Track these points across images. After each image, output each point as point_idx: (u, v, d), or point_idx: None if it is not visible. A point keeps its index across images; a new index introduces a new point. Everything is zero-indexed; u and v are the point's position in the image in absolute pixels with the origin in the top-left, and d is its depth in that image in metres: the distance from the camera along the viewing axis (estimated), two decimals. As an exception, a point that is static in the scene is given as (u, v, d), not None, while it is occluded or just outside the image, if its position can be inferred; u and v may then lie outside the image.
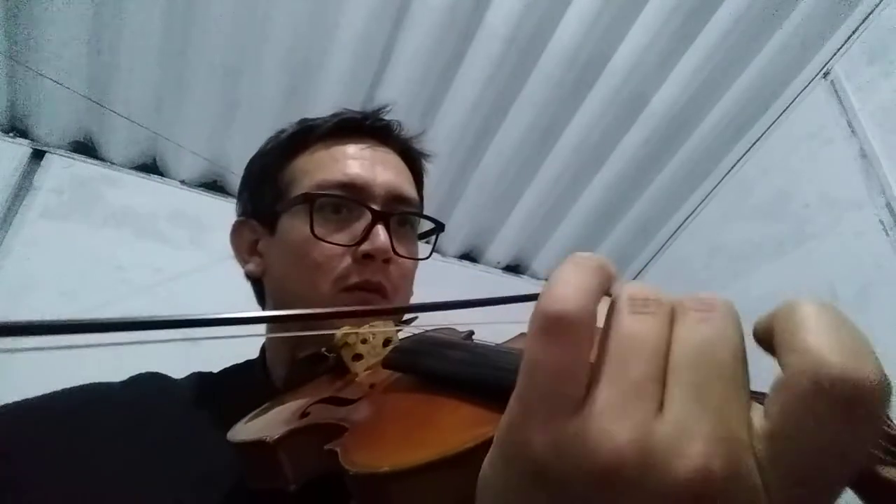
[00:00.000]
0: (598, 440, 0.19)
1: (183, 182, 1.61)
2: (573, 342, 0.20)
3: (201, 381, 0.66)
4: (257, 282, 0.69)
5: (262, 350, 0.69)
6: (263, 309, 0.71)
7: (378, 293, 0.60)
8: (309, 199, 0.61)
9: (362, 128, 0.68)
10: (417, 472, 0.29)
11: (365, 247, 0.59)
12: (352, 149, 0.65)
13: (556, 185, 1.72)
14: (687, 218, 1.82)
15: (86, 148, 1.55)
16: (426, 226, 0.74)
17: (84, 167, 1.53)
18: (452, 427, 0.32)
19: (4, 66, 1.38)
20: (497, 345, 0.43)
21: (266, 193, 0.67)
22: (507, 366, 0.33)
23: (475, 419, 0.31)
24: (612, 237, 1.87)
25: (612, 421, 0.19)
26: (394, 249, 0.60)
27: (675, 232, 1.85)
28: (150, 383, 0.63)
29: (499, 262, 1.92)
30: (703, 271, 1.71)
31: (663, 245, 1.89)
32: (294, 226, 0.62)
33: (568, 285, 0.21)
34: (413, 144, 0.73)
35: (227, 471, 0.48)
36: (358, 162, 0.64)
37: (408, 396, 0.39)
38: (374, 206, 0.61)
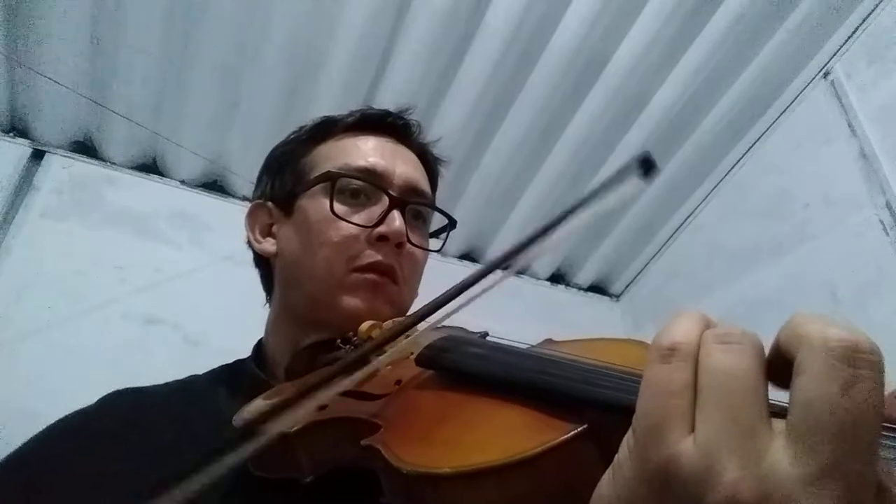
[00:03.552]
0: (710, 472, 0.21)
1: (183, 182, 1.61)
2: (681, 364, 0.23)
3: (186, 383, 0.65)
4: (266, 265, 0.70)
5: (255, 348, 0.69)
6: (268, 294, 0.71)
7: (388, 277, 0.61)
8: (331, 178, 0.62)
9: (384, 124, 0.70)
10: (480, 476, 0.28)
11: (381, 229, 0.61)
12: (373, 141, 0.68)
13: (555, 185, 1.72)
14: (687, 218, 1.82)
15: (86, 148, 1.55)
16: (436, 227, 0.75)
17: (84, 167, 1.53)
18: (514, 431, 0.31)
19: (4, 66, 1.39)
20: (532, 347, 0.42)
21: (287, 177, 0.68)
22: (561, 372, 0.32)
23: (535, 424, 0.30)
24: (612, 237, 1.87)
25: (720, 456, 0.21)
26: (408, 237, 0.62)
27: (675, 232, 1.85)
28: (122, 401, 0.62)
29: (499, 262, 1.92)
30: (703, 271, 1.71)
31: (663, 245, 1.89)
32: (312, 205, 0.64)
33: (675, 326, 0.25)
34: (431, 149, 0.75)
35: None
36: (379, 152, 0.66)
37: (447, 395, 0.38)
38: (392, 193, 0.63)
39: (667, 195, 1.76)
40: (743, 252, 1.57)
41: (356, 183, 0.63)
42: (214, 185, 1.64)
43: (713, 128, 1.60)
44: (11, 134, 1.50)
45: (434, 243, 0.71)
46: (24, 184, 1.46)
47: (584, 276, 1.97)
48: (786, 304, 1.40)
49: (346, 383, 0.37)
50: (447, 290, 0.41)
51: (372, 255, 0.60)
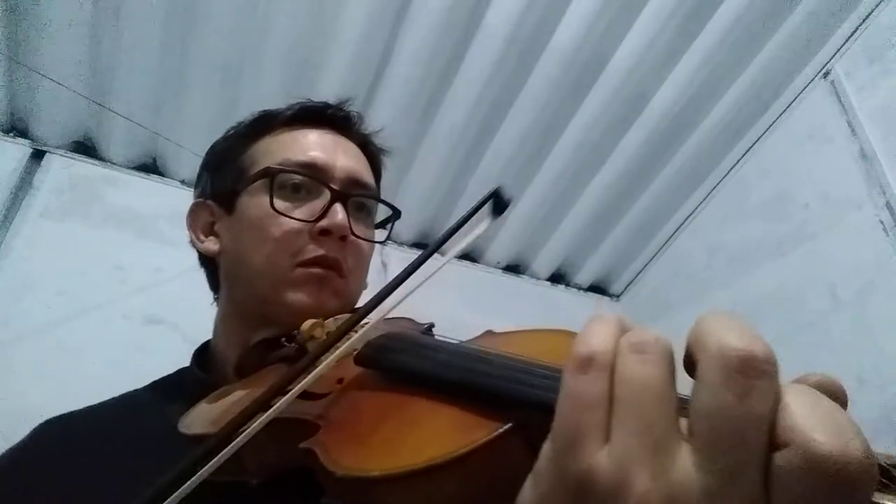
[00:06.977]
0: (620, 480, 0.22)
1: (183, 182, 1.61)
2: (598, 375, 0.23)
3: (122, 399, 0.65)
4: (211, 264, 0.69)
5: (196, 352, 0.68)
6: (216, 292, 0.71)
7: (333, 270, 0.61)
8: (270, 174, 0.62)
9: (324, 116, 0.69)
10: (409, 477, 0.29)
11: (323, 223, 0.60)
12: (313, 134, 0.67)
13: (556, 185, 1.72)
14: (687, 218, 1.82)
15: (86, 148, 1.55)
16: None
17: (84, 167, 1.53)
18: (442, 431, 0.31)
19: (4, 66, 1.38)
20: (470, 344, 0.42)
21: (226, 174, 0.68)
22: (490, 371, 0.33)
23: (463, 424, 0.31)
24: (612, 237, 1.87)
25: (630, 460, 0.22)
26: (351, 230, 0.61)
27: (675, 232, 1.85)
28: (52, 430, 0.61)
29: (499, 262, 1.92)
30: (703, 271, 1.71)
31: (663, 245, 1.89)
32: (253, 202, 0.63)
33: (592, 334, 0.25)
34: (373, 139, 0.73)
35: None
36: (320, 145, 0.65)
37: (384, 395, 0.38)
38: (334, 186, 0.62)
39: (667, 195, 1.77)
40: (743, 252, 1.57)
41: (296, 178, 0.62)
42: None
43: (713, 128, 1.60)
44: (11, 134, 1.50)
45: (380, 234, 0.71)
46: (24, 184, 1.46)
47: (584, 276, 1.98)
48: (786, 304, 1.40)
49: (297, 389, 0.37)
50: (386, 284, 0.42)
51: (316, 250, 0.60)
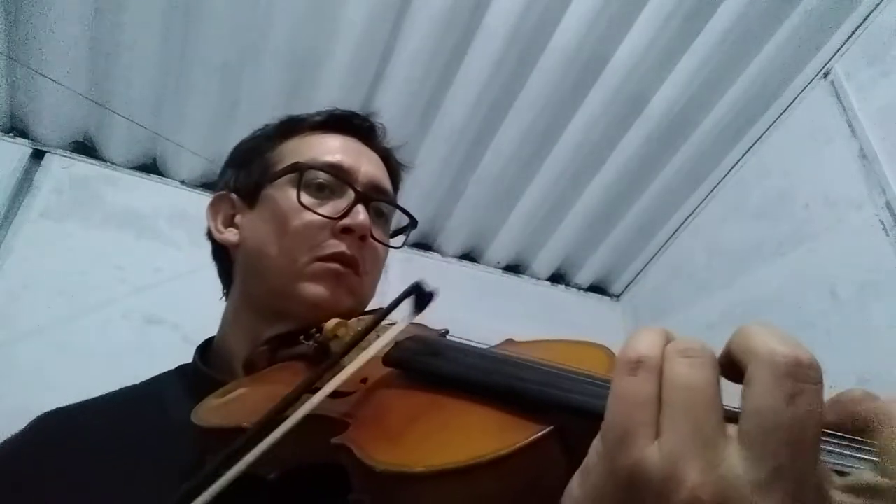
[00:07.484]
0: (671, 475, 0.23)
1: (183, 182, 1.61)
2: (647, 377, 0.25)
3: (121, 393, 0.64)
4: (225, 256, 0.71)
5: (199, 349, 0.68)
6: (227, 287, 0.72)
7: (351, 268, 0.62)
8: (299, 169, 0.63)
9: (350, 124, 0.71)
10: (451, 475, 0.29)
11: (346, 221, 0.62)
12: (339, 140, 0.69)
13: (556, 185, 1.72)
14: (687, 218, 1.82)
15: (86, 148, 1.55)
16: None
17: (84, 167, 1.53)
18: (482, 432, 0.32)
19: (4, 66, 1.39)
20: (499, 349, 0.42)
21: (252, 170, 0.69)
22: (524, 375, 0.33)
23: (501, 425, 0.31)
24: (612, 237, 1.87)
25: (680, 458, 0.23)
26: (370, 233, 0.63)
27: (675, 232, 1.85)
28: (52, 422, 0.60)
29: (499, 262, 1.92)
30: (703, 271, 1.71)
31: (663, 245, 1.89)
32: (279, 196, 0.64)
33: (641, 340, 0.27)
34: (394, 153, 0.76)
35: (181, 461, 0.46)
36: (345, 150, 0.67)
37: (415, 395, 0.39)
38: (358, 189, 0.64)
39: (667, 195, 1.77)
40: (743, 252, 1.57)
41: (322, 176, 0.64)
42: (214, 186, 1.64)
43: (713, 128, 1.60)
44: (11, 134, 1.50)
45: (395, 242, 0.72)
46: (24, 184, 1.46)
47: (584, 276, 1.98)
48: (786, 304, 1.40)
49: (330, 386, 0.37)
50: (404, 290, 0.42)
51: (336, 245, 0.61)
